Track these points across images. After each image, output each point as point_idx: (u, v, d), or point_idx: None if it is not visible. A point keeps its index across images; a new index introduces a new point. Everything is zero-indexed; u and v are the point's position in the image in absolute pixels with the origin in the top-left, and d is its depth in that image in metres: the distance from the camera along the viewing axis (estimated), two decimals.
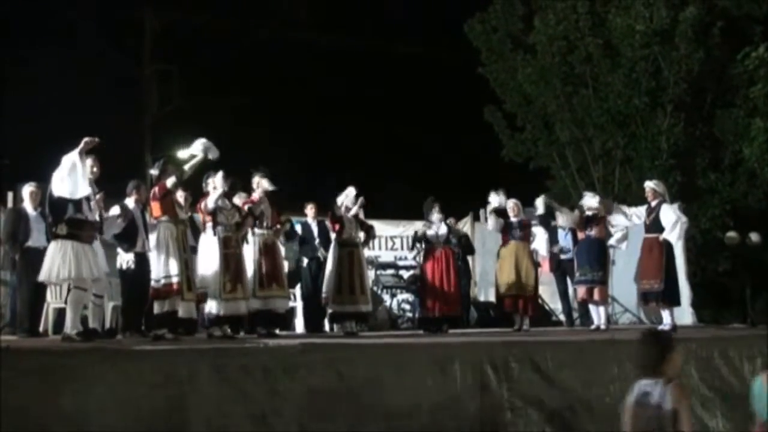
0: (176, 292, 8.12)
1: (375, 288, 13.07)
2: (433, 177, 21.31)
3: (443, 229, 10.42)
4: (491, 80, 19.99)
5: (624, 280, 12.24)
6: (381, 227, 10.87)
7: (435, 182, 18.60)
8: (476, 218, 14.50)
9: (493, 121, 20.10)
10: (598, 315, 10.38)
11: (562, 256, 11.77)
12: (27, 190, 9.57)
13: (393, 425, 6.20)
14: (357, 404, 6.21)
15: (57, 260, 7.49)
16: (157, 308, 8.20)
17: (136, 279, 8.79)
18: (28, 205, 9.52)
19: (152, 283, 8.24)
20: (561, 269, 11.98)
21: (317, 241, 10.84)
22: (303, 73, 24.12)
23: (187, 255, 8.42)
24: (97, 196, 8.18)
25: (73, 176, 7.45)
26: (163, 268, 8.15)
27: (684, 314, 11.71)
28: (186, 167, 8.46)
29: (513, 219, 10.58)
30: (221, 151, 8.56)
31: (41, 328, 9.50)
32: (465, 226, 13.88)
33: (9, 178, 9.96)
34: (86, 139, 7.43)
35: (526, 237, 10.53)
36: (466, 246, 12.67)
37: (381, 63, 24.02)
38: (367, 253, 11.53)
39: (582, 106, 18.51)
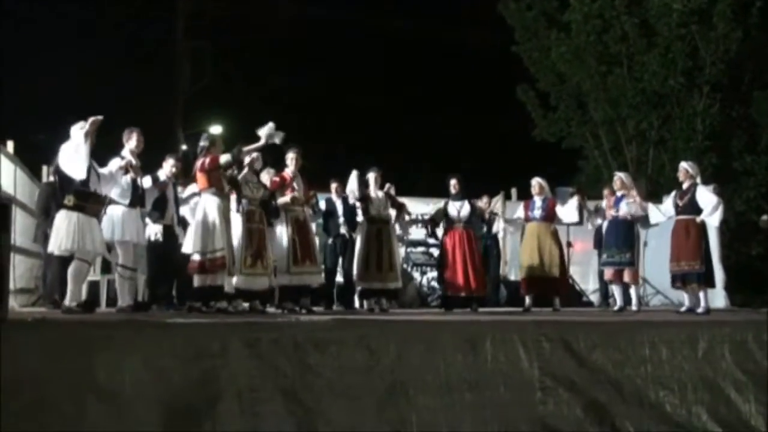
0: (221, 267, 8.01)
1: (405, 265, 13.09)
2: (465, 155, 21.28)
3: (465, 209, 10.27)
4: (525, 59, 19.85)
5: (656, 262, 12.15)
6: (412, 205, 10.83)
7: (467, 160, 18.59)
8: (508, 197, 14.44)
9: (526, 100, 19.99)
10: (621, 296, 10.31)
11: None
12: (54, 175, 9.68)
13: (423, 402, 6.20)
14: (387, 380, 6.21)
15: (62, 231, 7.54)
16: (197, 281, 8.09)
17: (164, 251, 8.87)
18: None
19: (195, 256, 8.09)
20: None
21: (341, 219, 10.76)
22: (336, 52, 24.11)
23: (252, 227, 8.45)
24: (123, 162, 8.27)
25: (76, 158, 7.47)
26: (207, 241, 8.03)
27: (717, 297, 11.62)
28: (245, 148, 8.39)
29: (536, 198, 10.47)
30: (251, 128, 8.55)
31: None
32: (497, 204, 13.82)
33: (45, 153, 10.03)
34: (91, 119, 7.42)
35: (550, 217, 10.39)
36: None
37: (414, 42, 23.93)
38: (397, 230, 11.53)
39: (616, 86, 18.35)
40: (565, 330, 6.88)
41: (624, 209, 10.00)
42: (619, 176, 10.52)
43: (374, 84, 24.01)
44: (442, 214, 10.36)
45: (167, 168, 9.17)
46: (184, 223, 9.33)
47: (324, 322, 6.94)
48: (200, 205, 8.26)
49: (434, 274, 13.62)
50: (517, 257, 14.25)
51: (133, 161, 8.44)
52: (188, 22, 23.80)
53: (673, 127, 18.06)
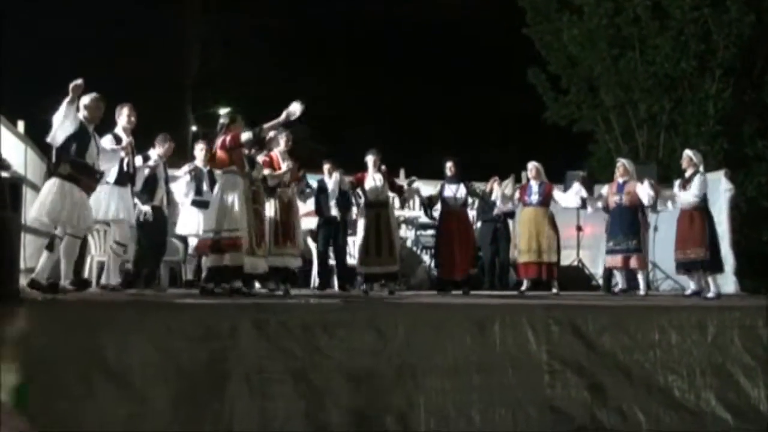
0: (240, 247, 7.78)
1: (414, 248, 13.07)
2: (475, 137, 21.24)
3: (461, 191, 10.16)
4: (536, 41, 19.73)
5: (666, 247, 12.09)
6: (422, 187, 10.77)
7: (477, 143, 18.56)
8: (518, 180, 14.40)
9: (537, 83, 19.88)
10: (624, 279, 10.29)
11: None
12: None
13: (431, 384, 6.21)
14: (396, 363, 6.22)
15: (49, 199, 7.30)
16: (211, 261, 7.86)
17: (153, 232, 8.83)
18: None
19: (210, 234, 7.86)
20: None
21: (333, 201, 10.59)
22: (348, 35, 24.06)
23: (258, 208, 8.26)
24: (124, 142, 8.23)
25: (63, 126, 7.37)
26: (225, 220, 7.79)
27: (727, 282, 11.57)
28: (266, 125, 8.07)
29: (532, 182, 10.42)
30: (263, 111, 8.47)
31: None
32: (507, 188, 13.77)
33: None
34: (72, 84, 7.22)
35: (546, 202, 10.34)
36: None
37: (424, 23, 23.87)
38: (407, 213, 11.50)
39: (628, 69, 18.24)
40: (574, 313, 6.88)
41: (644, 192, 9.98)
42: (623, 162, 10.49)
43: (383, 67, 23.98)
44: (438, 196, 10.29)
45: (159, 149, 9.12)
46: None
47: (333, 303, 6.96)
48: (219, 184, 8.08)
49: None
50: None
51: (125, 140, 8.38)
52: (198, 2, 23.78)
53: (684, 111, 17.95)
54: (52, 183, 7.39)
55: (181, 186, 9.97)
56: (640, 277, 10.26)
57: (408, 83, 23.52)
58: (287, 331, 6.05)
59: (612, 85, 18.49)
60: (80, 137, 7.49)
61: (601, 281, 12.69)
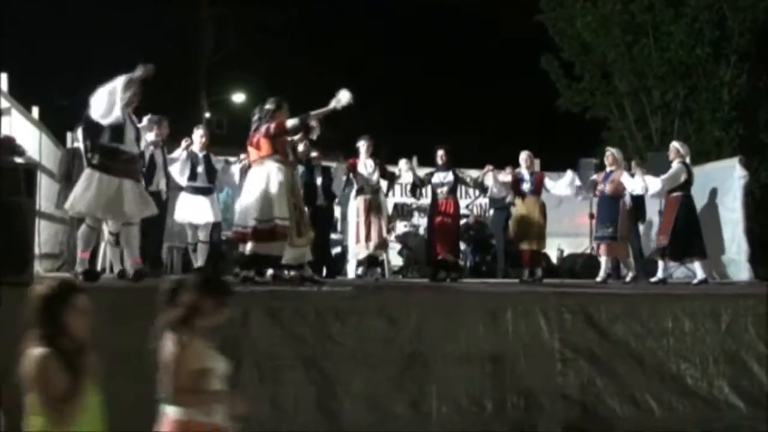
0: (281, 236, 7.53)
1: (425, 235, 13.04)
2: (486, 126, 21.20)
3: (449, 178, 9.95)
4: (550, 28, 19.64)
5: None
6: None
7: (488, 131, 18.52)
8: None
9: (551, 69, 19.80)
10: (606, 267, 10.29)
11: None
12: (81, 130, 9.71)
13: (443, 372, 6.22)
14: (407, 350, 6.23)
15: (78, 191, 7.07)
16: (252, 249, 7.58)
17: (151, 219, 8.31)
18: (82, 146, 9.66)
19: (252, 222, 7.56)
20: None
21: (319, 188, 10.25)
22: (359, 20, 24.00)
23: (297, 198, 7.87)
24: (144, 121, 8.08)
25: (110, 99, 6.95)
26: (267, 209, 7.53)
27: (741, 270, 11.53)
28: (313, 112, 7.79)
29: (524, 171, 10.37)
30: (275, 95, 8.36)
31: (99, 268, 9.61)
32: (503, 176, 13.76)
33: (70, 118, 10.07)
34: (144, 67, 6.99)
35: (537, 191, 10.31)
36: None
37: (436, 8, 23.76)
38: (420, 201, 11.48)
39: (642, 56, 18.16)
40: (586, 302, 6.87)
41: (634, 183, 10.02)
42: (611, 152, 10.43)
43: (397, 52, 23.95)
44: (427, 182, 10.14)
45: (155, 131, 8.86)
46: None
47: (344, 291, 6.97)
48: (262, 172, 7.73)
49: None
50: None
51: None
52: None
53: (699, 98, 17.86)
54: (84, 175, 7.17)
55: (176, 169, 9.73)
56: (625, 264, 10.25)
57: (413, 72, 23.50)
58: (300, 318, 6.07)
59: (626, 72, 18.42)
60: (115, 122, 7.13)
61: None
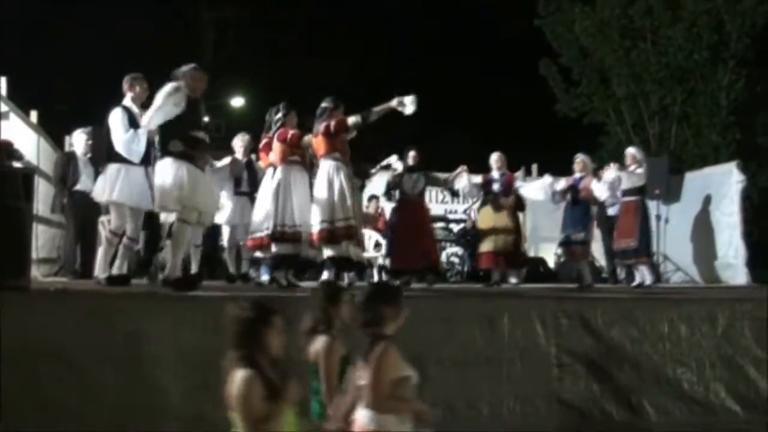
0: (351, 236, 7.47)
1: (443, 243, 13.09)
2: (485, 129, 21.19)
3: (420, 181, 9.76)
4: (548, 33, 19.64)
5: (676, 239, 12.10)
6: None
7: (487, 134, 18.49)
8: (528, 173, 14.37)
9: (549, 74, 19.79)
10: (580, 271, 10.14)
11: (610, 212, 11.39)
12: (77, 135, 9.77)
13: (439, 376, 6.22)
14: (405, 354, 6.23)
15: (168, 184, 6.72)
16: (330, 252, 7.47)
17: (149, 220, 8.11)
18: (78, 150, 9.72)
19: (323, 225, 7.48)
20: (608, 225, 11.55)
21: None
22: (358, 24, 24.01)
23: (355, 197, 7.81)
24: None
25: (166, 110, 6.81)
26: (334, 209, 7.46)
27: (738, 274, 11.56)
28: (375, 109, 7.67)
29: (495, 173, 10.29)
30: (274, 99, 8.34)
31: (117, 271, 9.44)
32: (517, 181, 13.76)
33: (68, 123, 10.10)
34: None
35: (508, 192, 10.23)
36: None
37: (435, 10, 23.80)
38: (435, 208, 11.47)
39: (640, 61, 18.16)
40: (583, 306, 6.87)
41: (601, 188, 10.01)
42: (582, 158, 10.28)
43: (396, 55, 23.96)
44: (397, 184, 9.84)
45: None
46: None
47: None
48: (322, 172, 7.63)
49: (454, 249, 13.64)
50: (536, 234, 14.28)
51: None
52: None
53: (696, 103, 17.86)
54: (163, 164, 6.84)
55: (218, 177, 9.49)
56: (583, 268, 10.12)
57: (414, 73, 23.54)
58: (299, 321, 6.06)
59: (624, 77, 18.41)
60: (191, 110, 7.00)
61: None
